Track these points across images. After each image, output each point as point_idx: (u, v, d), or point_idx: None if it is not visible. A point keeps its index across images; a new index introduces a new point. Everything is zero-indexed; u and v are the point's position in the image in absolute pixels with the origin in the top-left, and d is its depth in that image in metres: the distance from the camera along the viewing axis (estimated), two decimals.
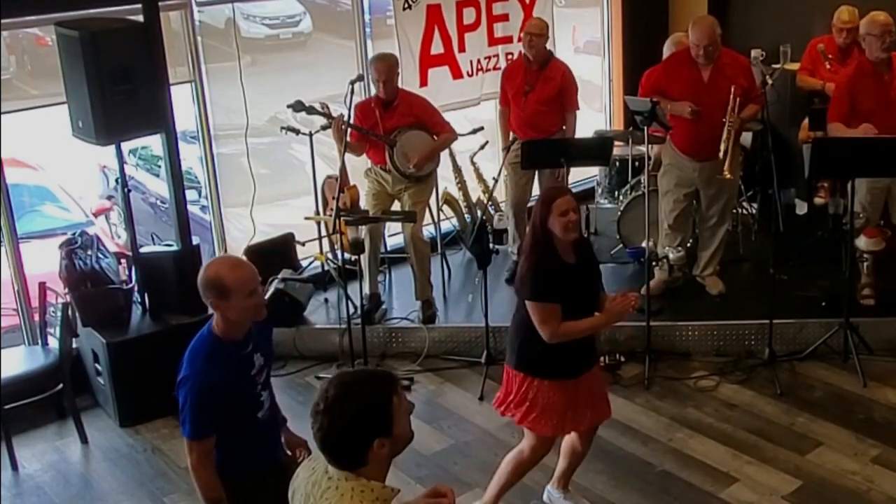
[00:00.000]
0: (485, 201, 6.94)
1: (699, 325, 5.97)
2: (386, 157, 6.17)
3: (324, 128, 6.28)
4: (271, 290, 6.15)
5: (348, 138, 5.96)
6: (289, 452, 3.51)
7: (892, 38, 5.68)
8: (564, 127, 6.61)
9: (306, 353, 6.14)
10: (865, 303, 6.01)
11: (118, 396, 5.54)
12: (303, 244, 6.71)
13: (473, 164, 7.14)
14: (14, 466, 5.22)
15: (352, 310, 5.96)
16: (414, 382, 5.85)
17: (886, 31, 5.66)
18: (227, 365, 3.18)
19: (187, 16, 6.20)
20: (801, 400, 5.44)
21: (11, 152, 6.76)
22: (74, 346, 5.60)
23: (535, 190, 6.69)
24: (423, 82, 7.18)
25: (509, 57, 7.42)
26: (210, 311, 3.24)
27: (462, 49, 7.37)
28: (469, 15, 7.36)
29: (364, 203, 6.41)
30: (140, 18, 5.48)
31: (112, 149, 5.61)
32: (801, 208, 7.20)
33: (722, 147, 5.65)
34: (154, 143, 7.24)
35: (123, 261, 5.91)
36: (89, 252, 5.72)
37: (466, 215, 7.18)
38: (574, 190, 6.87)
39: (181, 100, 6.11)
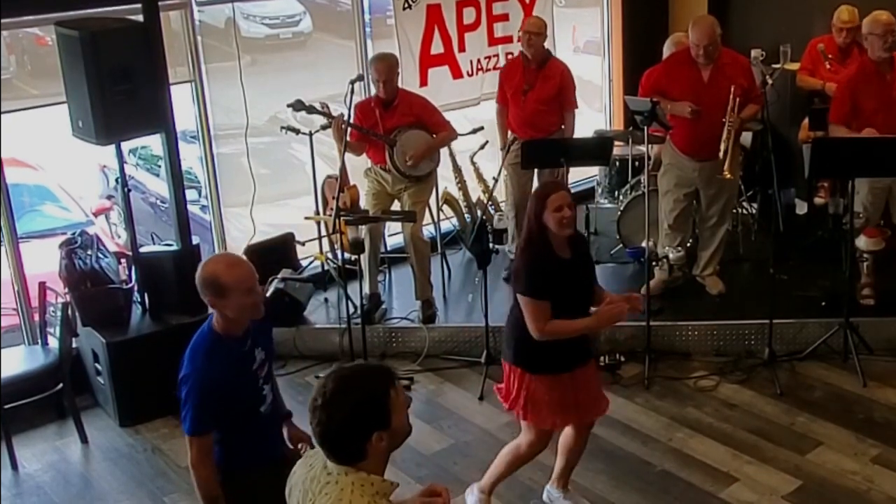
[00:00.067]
0: (485, 201, 6.94)
1: (699, 325, 5.97)
2: (386, 156, 6.17)
3: (324, 127, 6.28)
4: (271, 289, 6.16)
5: (348, 138, 5.96)
6: (291, 446, 3.52)
7: (895, 37, 5.67)
8: (563, 126, 6.62)
9: (306, 352, 6.14)
10: (865, 303, 6.01)
11: (118, 396, 5.55)
12: (303, 244, 6.71)
13: (473, 163, 7.14)
14: (14, 466, 5.22)
15: (352, 309, 5.97)
16: (414, 382, 5.85)
17: (889, 30, 5.65)
18: (228, 362, 3.19)
19: (187, 16, 6.20)
20: (801, 400, 5.44)
21: (11, 152, 6.76)
22: (74, 345, 5.60)
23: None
24: (423, 82, 7.18)
25: (509, 57, 7.42)
26: (209, 309, 3.24)
27: (462, 49, 7.38)
28: (469, 15, 7.36)
29: (364, 203, 6.42)
30: (140, 18, 5.48)
31: (112, 148, 5.61)
32: (801, 208, 7.20)
33: (722, 147, 5.66)
34: (154, 143, 7.25)
35: (123, 261, 5.92)
36: (89, 252, 5.72)
37: (466, 215, 7.18)
38: (574, 190, 6.91)
39: (181, 100, 6.11)
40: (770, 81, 6.02)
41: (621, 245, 6.78)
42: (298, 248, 6.72)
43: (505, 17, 7.53)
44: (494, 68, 7.46)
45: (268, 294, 5.98)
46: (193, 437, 3.21)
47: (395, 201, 6.35)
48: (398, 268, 6.87)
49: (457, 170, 7.05)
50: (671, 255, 6.08)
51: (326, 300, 6.58)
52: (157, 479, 5.09)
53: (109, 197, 8.76)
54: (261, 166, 7.41)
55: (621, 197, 6.91)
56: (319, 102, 6.22)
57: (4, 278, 5.66)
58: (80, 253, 5.67)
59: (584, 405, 4.23)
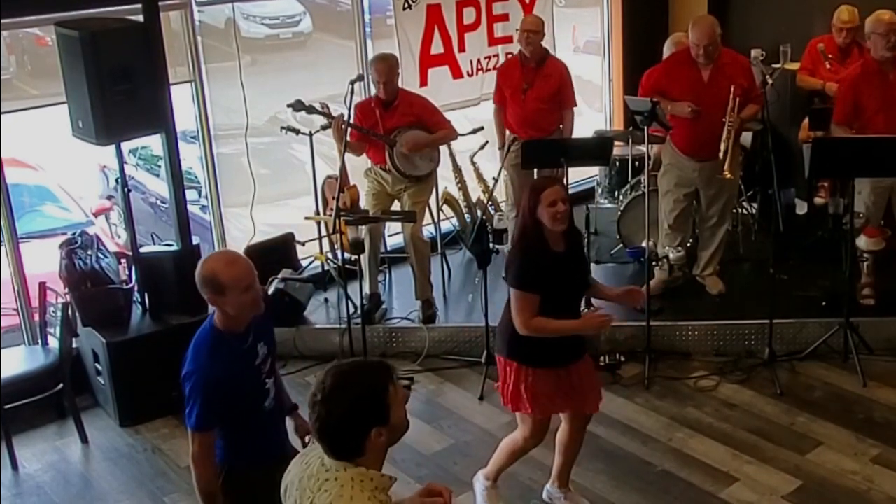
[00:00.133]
0: (485, 201, 6.94)
1: (699, 324, 5.97)
2: (386, 156, 6.17)
3: (324, 127, 6.28)
4: (271, 290, 6.16)
5: (348, 138, 5.96)
6: (298, 437, 3.53)
7: None
8: (562, 126, 6.62)
9: (306, 352, 6.14)
10: (865, 303, 6.01)
11: (118, 396, 5.54)
12: (303, 244, 6.71)
13: (473, 163, 7.14)
14: (14, 466, 5.22)
15: (352, 310, 5.97)
16: (414, 382, 5.85)
17: (891, 29, 5.65)
18: (231, 358, 3.21)
19: (187, 16, 6.20)
20: (801, 400, 5.43)
21: (11, 152, 6.76)
22: (74, 345, 5.60)
23: None
24: (423, 82, 7.18)
25: (509, 57, 7.42)
26: (210, 307, 3.26)
27: (462, 49, 7.38)
28: (469, 15, 7.36)
29: (364, 203, 6.41)
30: (140, 18, 5.48)
31: (112, 149, 5.61)
32: (801, 208, 7.20)
33: (722, 147, 5.66)
34: (154, 143, 7.25)
35: (123, 261, 5.92)
36: (89, 252, 5.72)
37: (466, 215, 7.18)
38: (574, 190, 6.92)
39: (181, 100, 6.11)
40: (770, 81, 6.02)
41: (621, 245, 6.78)
42: (298, 248, 6.72)
43: (505, 17, 7.53)
44: (494, 68, 7.43)
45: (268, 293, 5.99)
46: (196, 433, 3.22)
47: (395, 201, 6.35)
48: (398, 268, 6.87)
49: (457, 170, 7.06)
50: (671, 255, 6.08)
51: (326, 300, 6.58)
52: (157, 479, 5.09)
53: (109, 197, 8.76)
54: (261, 166, 7.41)
55: (621, 197, 6.91)
56: (319, 102, 6.22)
57: (4, 278, 5.66)
58: (80, 253, 5.67)
59: (580, 393, 4.24)
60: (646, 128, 5.62)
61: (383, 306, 6.40)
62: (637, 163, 6.97)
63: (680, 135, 5.96)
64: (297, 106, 6.15)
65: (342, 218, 5.88)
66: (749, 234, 6.99)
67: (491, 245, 6.13)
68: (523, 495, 4.68)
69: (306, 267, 6.75)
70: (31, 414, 5.47)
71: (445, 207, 7.10)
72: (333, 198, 5.94)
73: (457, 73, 7.40)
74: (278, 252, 6.56)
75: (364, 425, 2.35)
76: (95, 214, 8.29)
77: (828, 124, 6.07)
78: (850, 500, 4.61)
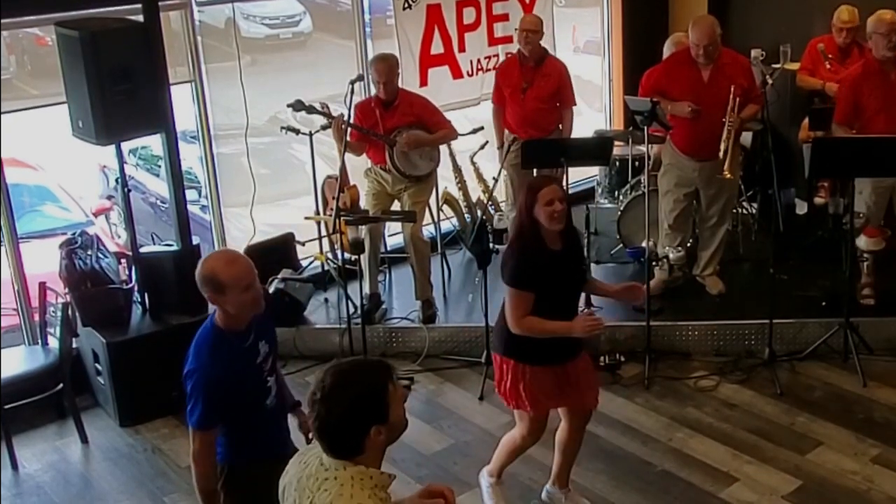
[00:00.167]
0: (485, 201, 6.94)
1: (699, 324, 5.97)
2: (386, 156, 6.17)
3: (324, 127, 6.28)
4: (271, 290, 6.16)
5: (348, 138, 5.96)
6: (302, 434, 3.54)
7: None
8: (561, 125, 6.62)
9: (306, 352, 6.14)
10: (865, 302, 6.01)
11: (118, 396, 5.54)
12: (303, 244, 6.71)
13: (473, 163, 7.14)
14: (14, 466, 5.22)
15: (352, 310, 5.97)
16: (414, 382, 5.85)
17: (893, 29, 5.65)
18: (232, 357, 3.22)
19: (187, 16, 6.20)
20: (801, 400, 5.43)
21: (11, 152, 6.76)
22: (74, 345, 5.60)
23: None
24: (423, 82, 7.18)
25: (509, 56, 7.42)
26: (210, 306, 3.27)
27: (462, 49, 7.38)
28: (469, 15, 7.36)
29: (364, 203, 6.41)
30: (140, 18, 5.48)
31: (112, 149, 5.61)
32: (801, 208, 7.19)
33: (722, 147, 5.66)
34: (154, 143, 7.24)
35: (123, 261, 5.92)
36: (89, 252, 5.72)
37: (466, 215, 7.18)
38: (574, 190, 6.92)
39: (181, 100, 6.11)
40: (770, 81, 6.02)
41: (621, 245, 6.78)
42: (298, 248, 6.72)
43: (505, 17, 7.54)
44: (494, 68, 7.44)
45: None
46: (198, 431, 3.23)
47: (395, 201, 6.35)
48: (398, 268, 6.87)
49: (457, 170, 7.05)
50: (671, 255, 6.09)
51: (326, 300, 6.58)
52: (157, 479, 5.09)
53: (109, 197, 8.76)
54: (261, 166, 7.41)
55: (621, 197, 6.91)
56: (319, 102, 6.22)
57: (4, 278, 5.66)
58: (80, 253, 5.67)
59: (578, 390, 4.24)
60: (646, 128, 5.62)
61: (383, 306, 6.39)
62: (637, 163, 6.97)
63: (680, 135, 5.96)
64: (297, 106, 6.15)
65: (342, 218, 5.88)
66: (749, 234, 6.99)
67: (491, 245, 6.13)
68: (523, 495, 4.68)
69: (306, 267, 6.75)
70: (31, 414, 5.46)
71: (445, 207, 7.10)
72: (333, 198, 5.94)
73: (457, 73, 7.40)
74: (278, 252, 6.56)
75: (364, 424, 2.35)
76: (95, 214, 8.29)
77: (828, 124, 6.07)
78: (850, 500, 4.61)
